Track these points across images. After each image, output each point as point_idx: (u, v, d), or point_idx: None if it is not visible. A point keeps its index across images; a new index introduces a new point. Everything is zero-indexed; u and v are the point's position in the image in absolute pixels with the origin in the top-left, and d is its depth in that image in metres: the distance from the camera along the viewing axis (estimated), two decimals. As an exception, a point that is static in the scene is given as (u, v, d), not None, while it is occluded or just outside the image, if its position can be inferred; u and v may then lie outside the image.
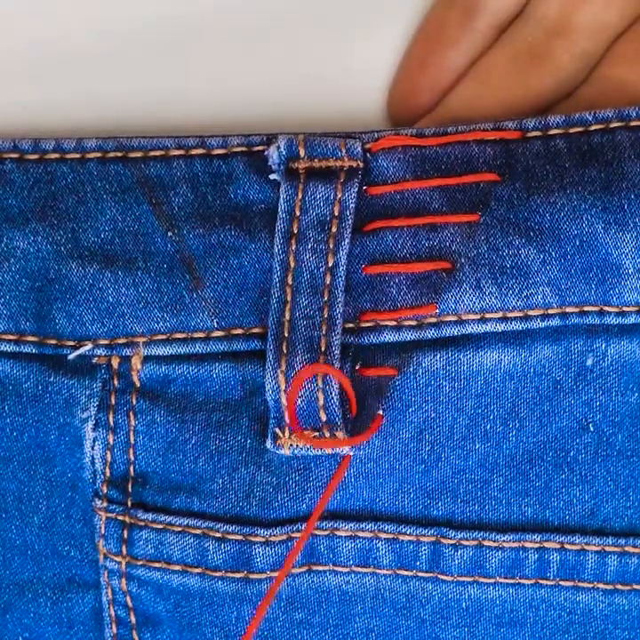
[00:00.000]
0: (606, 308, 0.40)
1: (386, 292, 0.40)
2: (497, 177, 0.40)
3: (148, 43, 0.44)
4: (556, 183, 0.39)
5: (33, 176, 0.41)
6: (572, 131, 0.40)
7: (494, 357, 0.40)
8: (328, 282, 0.40)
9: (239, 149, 0.41)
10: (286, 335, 0.40)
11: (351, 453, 0.40)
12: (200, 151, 0.41)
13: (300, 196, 0.40)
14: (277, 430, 0.40)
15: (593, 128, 0.40)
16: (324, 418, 0.40)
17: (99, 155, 0.41)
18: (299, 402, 0.40)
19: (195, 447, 0.41)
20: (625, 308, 0.40)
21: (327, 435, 0.40)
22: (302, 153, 0.40)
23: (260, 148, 0.41)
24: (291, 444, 0.40)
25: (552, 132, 0.40)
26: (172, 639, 0.43)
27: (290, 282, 0.40)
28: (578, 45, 0.42)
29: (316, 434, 0.40)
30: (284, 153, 0.40)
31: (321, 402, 0.40)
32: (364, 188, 0.40)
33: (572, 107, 0.42)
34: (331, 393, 0.40)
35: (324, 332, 0.40)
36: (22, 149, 0.41)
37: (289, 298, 0.40)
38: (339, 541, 0.42)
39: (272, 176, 0.41)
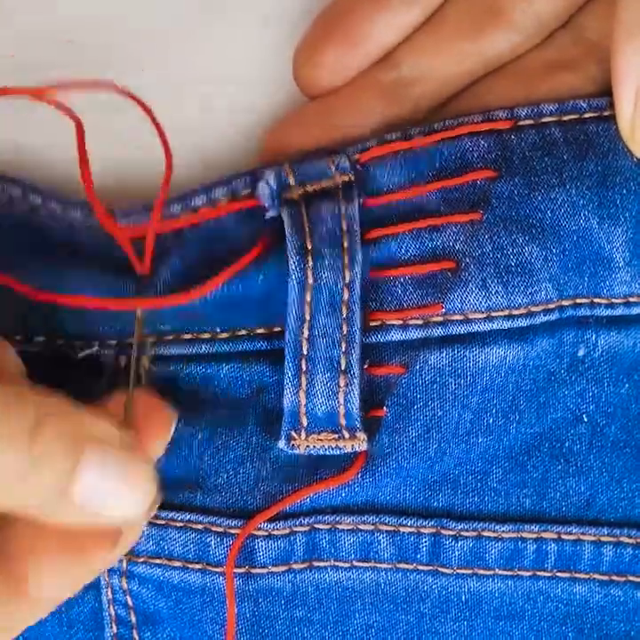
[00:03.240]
0: (596, 300, 0.41)
1: (391, 292, 0.41)
2: (493, 173, 0.40)
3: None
4: (555, 178, 0.40)
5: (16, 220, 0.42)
6: (565, 118, 0.41)
7: (500, 354, 0.41)
8: (346, 298, 0.40)
9: (224, 200, 0.41)
10: (305, 353, 0.40)
11: (365, 449, 0.41)
12: (187, 215, 0.41)
13: (305, 215, 0.40)
14: (293, 433, 0.41)
15: (587, 116, 0.41)
16: (343, 423, 0.40)
17: (87, 225, 0.41)
18: (318, 413, 0.40)
19: (201, 443, 0.41)
20: (613, 300, 0.41)
21: (347, 436, 0.41)
22: (292, 181, 0.40)
23: (245, 191, 0.41)
24: (307, 445, 0.41)
25: (545, 119, 0.41)
26: (172, 637, 0.43)
27: (308, 299, 0.40)
28: (534, 6, 0.41)
29: (335, 436, 0.41)
30: (274, 187, 0.40)
31: (342, 413, 0.40)
32: (361, 200, 0.41)
33: (537, 58, 0.42)
34: (352, 407, 0.40)
35: (343, 350, 0.40)
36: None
37: (308, 317, 0.40)
38: (340, 535, 0.42)
39: (268, 214, 0.41)
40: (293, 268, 0.40)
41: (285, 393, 0.40)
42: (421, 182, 0.41)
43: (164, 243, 0.41)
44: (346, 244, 0.40)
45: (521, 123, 0.41)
